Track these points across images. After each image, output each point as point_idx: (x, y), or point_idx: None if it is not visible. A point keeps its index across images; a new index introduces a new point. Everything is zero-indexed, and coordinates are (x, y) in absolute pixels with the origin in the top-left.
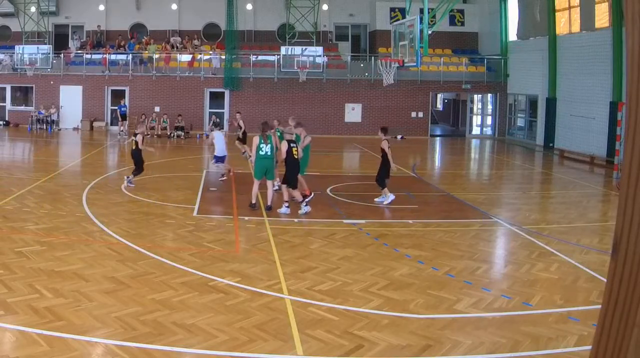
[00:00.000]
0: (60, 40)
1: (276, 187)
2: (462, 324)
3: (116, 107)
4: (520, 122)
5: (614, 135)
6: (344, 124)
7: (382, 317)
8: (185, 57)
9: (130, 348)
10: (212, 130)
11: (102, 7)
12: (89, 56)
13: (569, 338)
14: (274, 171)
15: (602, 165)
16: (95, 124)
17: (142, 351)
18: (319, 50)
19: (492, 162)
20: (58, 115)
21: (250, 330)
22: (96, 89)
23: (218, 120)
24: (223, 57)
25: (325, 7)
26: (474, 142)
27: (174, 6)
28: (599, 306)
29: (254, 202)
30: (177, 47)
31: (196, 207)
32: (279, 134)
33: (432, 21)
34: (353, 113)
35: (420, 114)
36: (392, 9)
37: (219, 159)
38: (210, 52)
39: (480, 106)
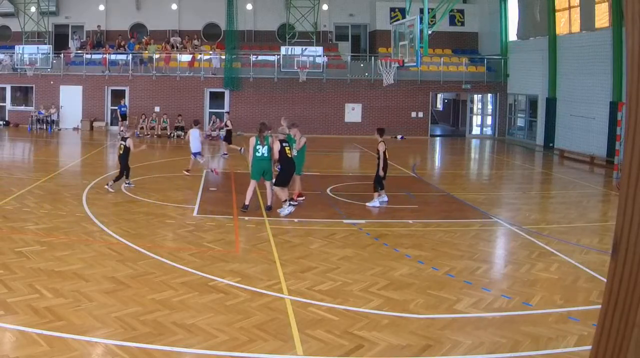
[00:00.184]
0: (60, 40)
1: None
2: (462, 324)
3: (116, 107)
4: (520, 122)
5: (614, 135)
6: (344, 124)
7: (382, 317)
8: (185, 57)
9: (130, 348)
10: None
11: (102, 7)
12: (89, 56)
13: (569, 338)
14: (271, 172)
15: (602, 165)
16: (95, 124)
17: (142, 351)
18: (319, 50)
19: (492, 162)
20: (58, 115)
21: (250, 330)
22: (96, 89)
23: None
24: (223, 57)
25: (325, 7)
26: (474, 142)
27: (174, 6)
28: (599, 306)
29: (247, 203)
30: (177, 47)
31: (196, 207)
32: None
33: (432, 21)
34: (353, 113)
35: (420, 114)
36: (392, 9)
37: (196, 155)
38: (210, 52)
39: (480, 106)
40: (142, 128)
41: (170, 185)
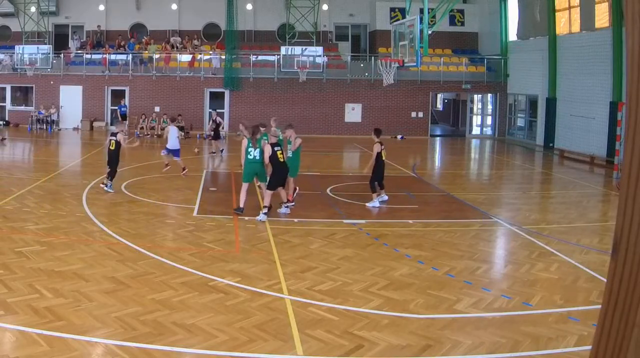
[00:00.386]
0: (60, 40)
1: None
2: (462, 324)
3: (116, 107)
4: (520, 122)
5: (614, 135)
6: (344, 124)
7: (382, 317)
8: (185, 57)
9: (130, 348)
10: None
11: (102, 7)
12: (89, 56)
13: (569, 338)
14: (265, 174)
15: (602, 165)
16: (95, 124)
17: (142, 351)
18: (319, 50)
19: (492, 162)
20: (58, 115)
21: (250, 330)
22: (96, 89)
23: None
24: (223, 57)
25: (325, 7)
26: (474, 142)
27: (174, 6)
28: (599, 306)
29: (241, 206)
30: (177, 47)
31: (196, 207)
32: (265, 137)
33: (432, 21)
34: (353, 113)
35: (420, 114)
36: (392, 9)
37: (171, 151)
38: (210, 52)
39: (480, 106)
40: (142, 128)
41: (170, 185)
